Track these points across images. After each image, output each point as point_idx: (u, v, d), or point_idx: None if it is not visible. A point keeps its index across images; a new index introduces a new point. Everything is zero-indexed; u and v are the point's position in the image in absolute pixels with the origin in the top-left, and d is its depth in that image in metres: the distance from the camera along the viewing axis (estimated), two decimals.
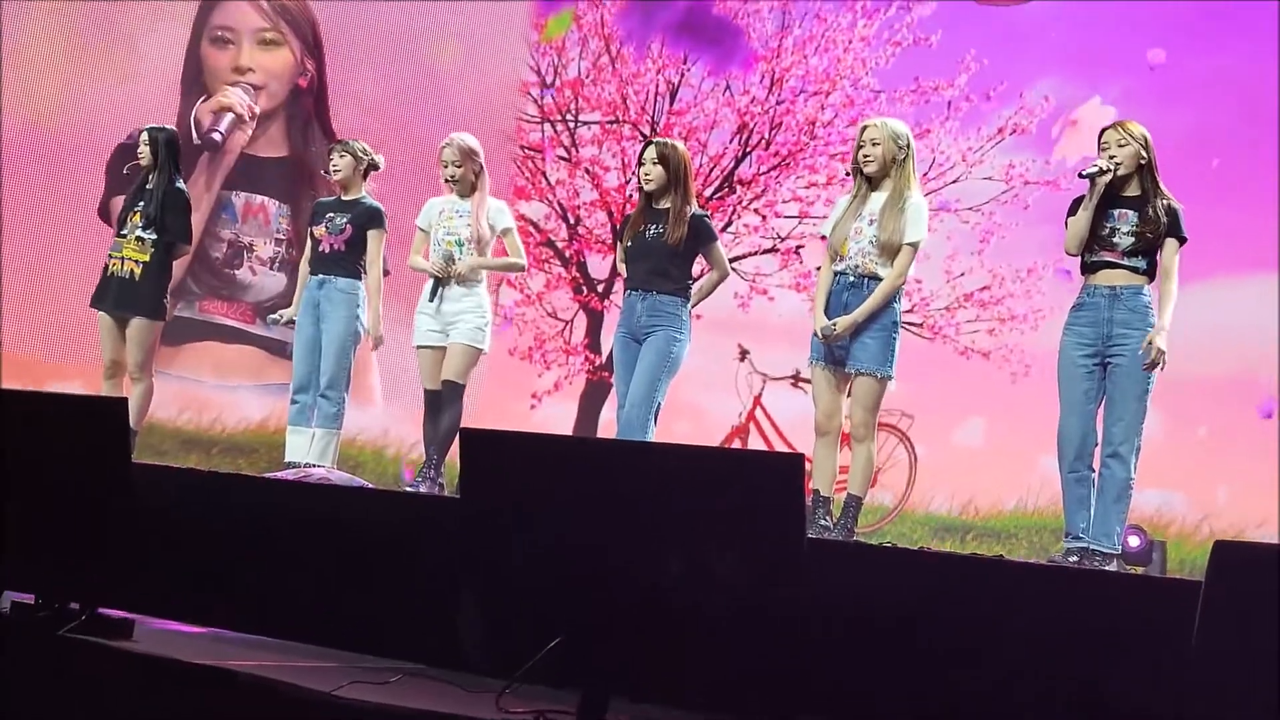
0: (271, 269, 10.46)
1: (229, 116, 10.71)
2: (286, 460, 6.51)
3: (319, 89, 10.67)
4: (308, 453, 6.42)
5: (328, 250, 6.47)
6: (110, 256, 6.88)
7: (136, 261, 6.77)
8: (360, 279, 6.51)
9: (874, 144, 5.30)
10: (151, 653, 4.05)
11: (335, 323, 6.42)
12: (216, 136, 10.65)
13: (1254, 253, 7.60)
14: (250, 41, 10.85)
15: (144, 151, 6.87)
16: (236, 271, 10.57)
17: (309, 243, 6.58)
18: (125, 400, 4.62)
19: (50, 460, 4.16)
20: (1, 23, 10.62)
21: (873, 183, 5.35)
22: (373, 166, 6.62)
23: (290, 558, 4.96)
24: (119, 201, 7.33)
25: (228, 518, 5.15)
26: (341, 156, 6.53)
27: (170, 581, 4.95)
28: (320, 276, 6.48)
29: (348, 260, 6.48)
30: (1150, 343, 4.88)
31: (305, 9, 10.75)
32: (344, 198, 6.57)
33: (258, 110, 10.74)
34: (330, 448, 6.44)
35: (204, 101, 10.81)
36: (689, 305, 5.76)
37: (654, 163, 5.70)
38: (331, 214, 6.51)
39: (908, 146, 5.34)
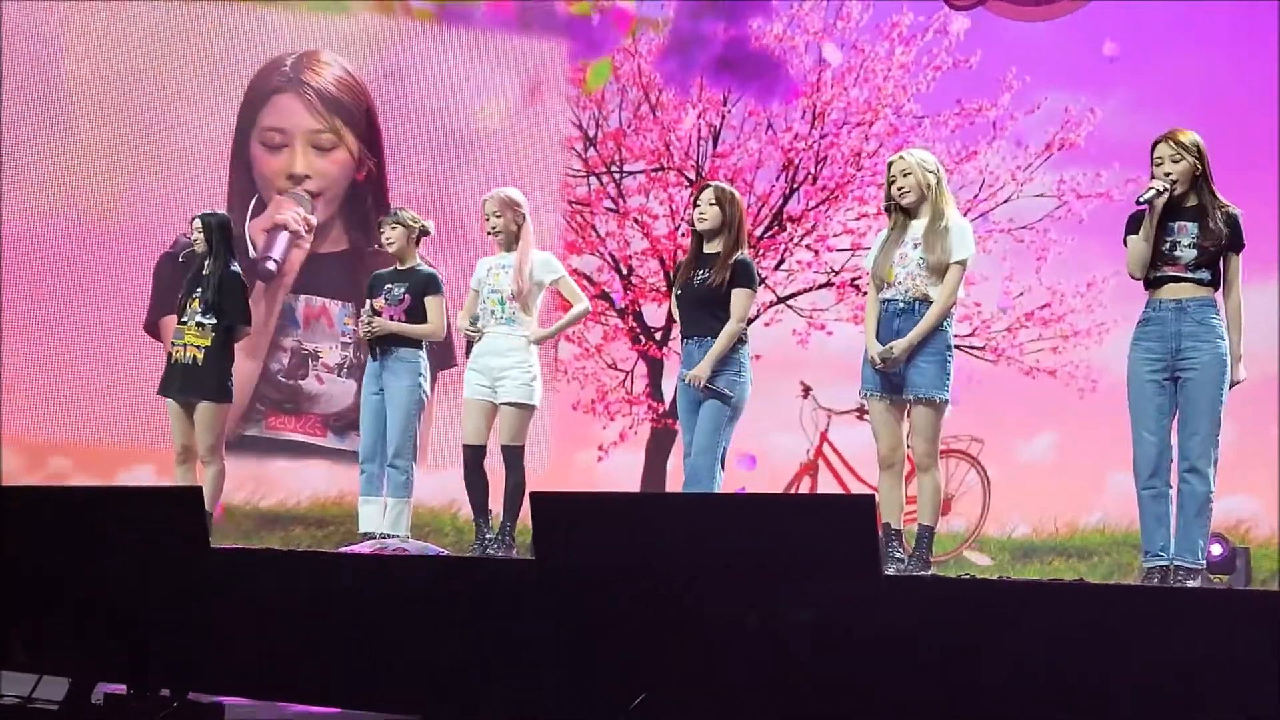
0: (339, 375, 10.09)
1: (284, 237, 10.21)
2: (362, 531, 6.56)
3: (378, 180, 10.29)
4: (381, 523, 6.47)
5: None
6: (173, 345, 6.98)
7: (199, 347, 6.86)
8: (422, 348, 6.57)
9: (905, 174, 5.32)
10: None
11: (398, 392, 6.47)
12: (271, 266, 10.13)
13: None
14: (303, 144, 10.40)
15: (198, 239, 6.97)
16: (302, 382, 10.13)
17: (364, 312, 6.62)
18: (200, 489, 4.70)
19: (133, 551, 4.23)
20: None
21: (909, 212, 5.36)
22: (424, 233, 6.68)
23: (373, 629, 4.99)
24: (169, 322, 7.37)
25: (308, 594, 5.19)
26: (393, 228, 6.61)
27: (256, 662, 5.00)
28: (380, 346, 6.54)
29: None
30: (1234, 383, 4.88)
31: (358, 97, 10.37)
32: (399, 268, 6.63)
33: (315, 222, 10.24)
34: (403, 516, 6.48)
35: (255, 217, 10.29)
36: (746, 347, 5.75)
37: (710, 204, 5.73)
38: (390, 285, 6.58)
39: (937, 171, 5.36)
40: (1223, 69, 7.99)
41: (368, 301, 6.59)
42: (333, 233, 10.34)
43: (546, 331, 6.31)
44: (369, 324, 6.49)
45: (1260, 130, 7.75)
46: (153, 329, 10.16)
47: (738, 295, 5.69)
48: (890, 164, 5.40)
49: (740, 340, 5.72)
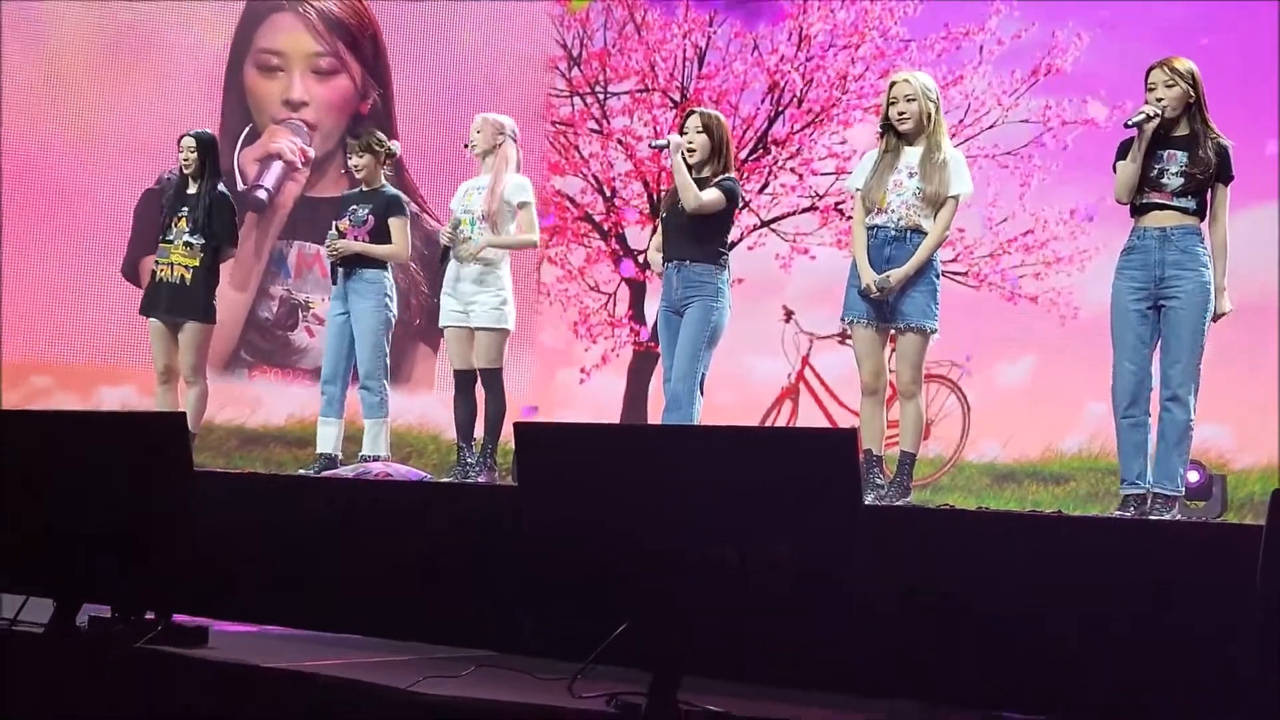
0: None
1: (277, 166, 9.90)
2: (319, 451, 6.57)
3: (385, 113, 9.90)
4: (338, 444, 6.49)
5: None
6: (157, 263, 6.95)
7: (187, 267, 6.85)
8: (387, 269, 6.57)
9: (909, 100, 5.27)
10: (228, 659, 4.13)
11: (364, 314, 6.48)
12: (262, 194, 9.81)
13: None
14: (302, 69, 10.02)
15: (190, 157, 6.92)
16: (291, 334, 9.98)
17: (330, 235, 6.61)
18: (183, 414, 4.70)
19: (115, 477, 4.24)
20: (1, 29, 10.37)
21: (904, 137, 5.33)
22: (389, 155, 6.67)
23: (355, 554, 5.03)
24: (148, 262, 7.29)
25: (291, 519, 5.22)
26: (361, 155, 6.58)
27: (239, 585, 5.03)
28: (344, 268, 6.53)
29: None
30: (1218, 315, 4.89)
31: (364, 20, 9.91)
32: (364, 189, 6.62)
33: (312, 154, 9.91)
34: (381, 437, 6.51)
35: (247, 146, 9.93)
36: (726, 273, 5.74)
37: (698, 131, 5.70)
38: (354, 206, 6.58)
39: (938, 100, 5.33)
40: None
41: (333, 224, 6.59)
42: (330, 172, 10.07)
43: (490, 239, 6.25)
44: (333, 246, 6.48)
45: (1261, 46, 7.70)
46: (131, 272, 9.96)
47: (711, 190, 5.62)
48: (893, 84, 5.34)
49: (720, 266, 5.71)
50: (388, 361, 6.55)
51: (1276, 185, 7.53)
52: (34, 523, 4.34)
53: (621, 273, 9.53)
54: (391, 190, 6.65)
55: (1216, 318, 4.92)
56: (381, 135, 6.70)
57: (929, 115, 5.28)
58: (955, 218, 5.37)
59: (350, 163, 6.65)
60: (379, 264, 6.54)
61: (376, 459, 6.40)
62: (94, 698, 3.93)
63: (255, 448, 10.03)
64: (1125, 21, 8.14)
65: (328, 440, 6.55)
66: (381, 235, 6.51)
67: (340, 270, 6.53)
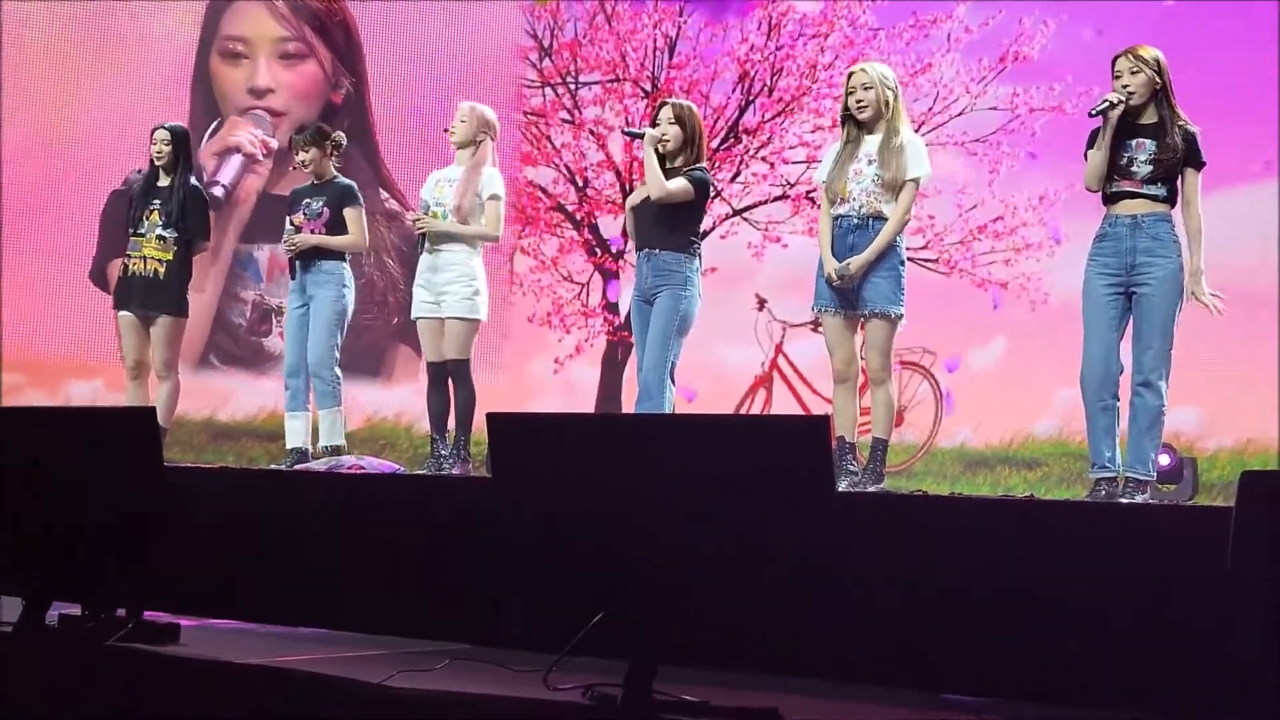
0: None
1: (235, 160, 9.70)
2: (289, 446, 6.56)
3: (360, 104, 9.70)
4: (307, 438, 6.48)
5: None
6: (129, 257, 6.92)
7: (160, 260, 6.82)
8: (344, 260, 6.56)
9: (866, 88, 5.33)
10: (200, 656, 4.11)
11: (321, 303, 6.48)
12: (218, 192, 9.56)
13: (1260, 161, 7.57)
14: (268, 54, 9.83)
15: (164, 150, 6.87)
16: (264, 340, 9.78)
17: (286, 230, 6.59)
18: (153, 408, 4.68)
19: (85, 473, 4.22)
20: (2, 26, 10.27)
21: (864, 127, 5.37)
22: (336, 146, 6.65)
23: (328, 548, 5.02)
24: (115, 265, 7.23)
25: (263, 514, 5.21)
26: (306, 150, 6.56)
27: (211, 581, 5.02)
28: (302, 261, 6.51)
29: None
30: (1195, 296, 4.91)
31: (332, 6, 9.69)
32: (316, 182, 6.60)
33: (274, 145, 9.67)
34: (336, 425, 6.50)
35: (210, 139, 9.71)
36: (696, 261, 5.75)
37: (670, 122, 5.71)
38: (308, 199, 6.57)
39: (896, 88, 5.38)
40: None
41: (288, 219, 6.58)
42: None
43: (447, 226, 6.20)
44: (290, 241, 6.46)
45: (1223, 35, 7.73)
46: (100, 277, 9.83)
47: (678, 179, 5.62)
48: (850, 74, 5.41)
49: (690, 255, 5.72)
50: (338, 351, 6.54)
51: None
52: (1, 520, 4.31)
53: (609, 296, 9.51)
54: (344, 181, 6.65)
55: (1203, 300, 4.93)
56: (323, 126, 6.70)
57: (887, 102, 5.33)
58: (926, 205, 5.39)
59: (297, 158, 6.62)
60: (336, 255, 6.54)
61: (336, 449, 6.39)
62: (65, 697, 3.90)
63: (226, 442, 9.99)
64: (1092, 8, 8.16)
65: (297, 434, 6.54)
66: (337, 226, 6.50)
67: (298, 264, 6.52)
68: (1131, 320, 4.97)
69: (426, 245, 6.25)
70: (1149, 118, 4.98)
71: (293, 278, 6.57)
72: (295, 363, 6.54)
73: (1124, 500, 4.79)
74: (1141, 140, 4.95)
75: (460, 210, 6.18)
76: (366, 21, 10.09)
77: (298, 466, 6.33)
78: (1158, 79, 4.95)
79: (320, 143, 6.56)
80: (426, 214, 6.25)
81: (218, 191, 9.82)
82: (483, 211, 6.24)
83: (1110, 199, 5.02)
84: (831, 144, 5.56)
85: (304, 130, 6.66)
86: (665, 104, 5.81)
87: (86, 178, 10.29)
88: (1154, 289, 4.90)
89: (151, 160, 6.94)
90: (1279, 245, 7.41)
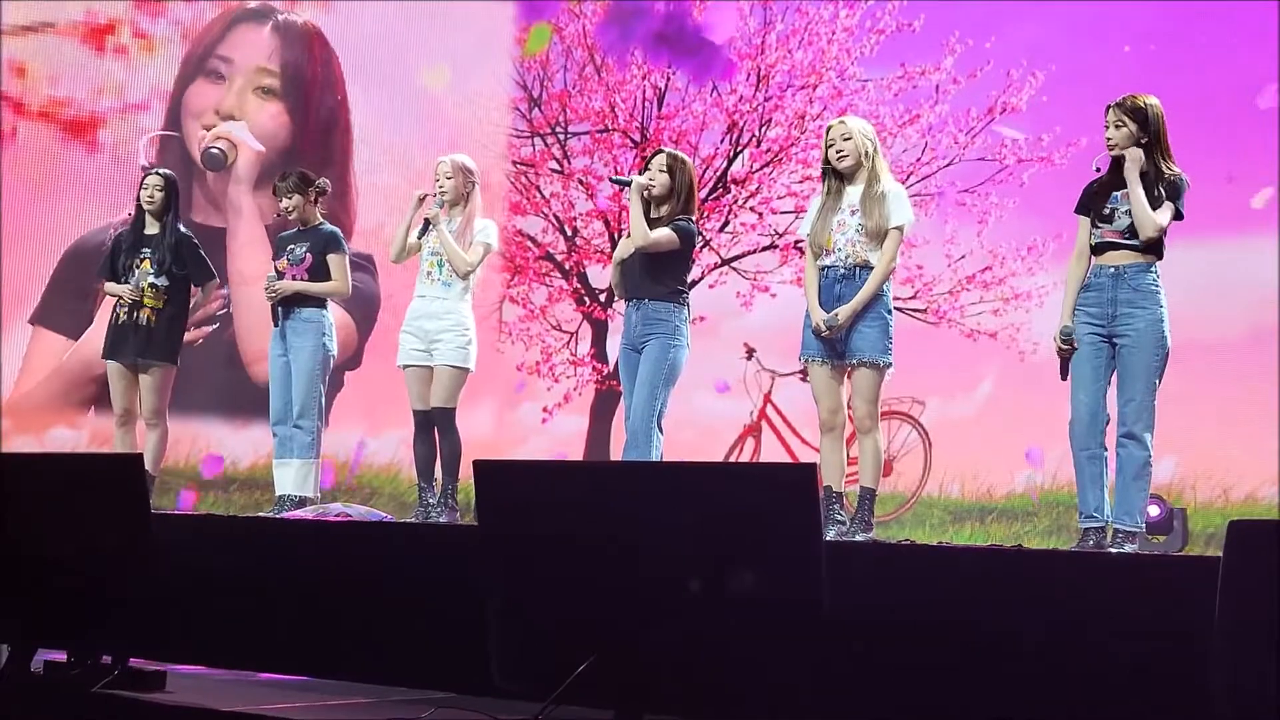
0: None
1: (240, 129, 9.92)
2: (278, 494, 6.54)
3: (329, 148, 9.99)
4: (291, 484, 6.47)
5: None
6: (119, 305, 6.85)
7: (152, 309, 6.77)
8: (325, 307, 6.56)
9: (845, 139, 5.37)
10: (186, 703, 4.09)
11: (302, 353, 6.47)
12: (216, 151, 9.91)
13: (1255, 212, 7.63)
14: (246, 83, 10.15)
15: (156, 195, 6.84)
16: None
17: (268, 277, 6.60)
18: (140, 455, 4.66)
19: (73, 519, 4.20)
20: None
21: (845, 178, 5.40)
22: (321, 192, 6.67)
23: (316, 596, 4.99)
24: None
25: (250, 561, 5.19)
26: (291, 196, 6.57)
27: (199, 628, 4.99)
28: (283, 308, 6.52)
29: None
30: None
31: (324, 53, 10.05)
32: (300, 228, 6.62)
33: (262, 150, 9.94)
34: (310, 477, 6.48)
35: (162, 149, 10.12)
36: (685, 311, 5.76)
37: (661, 170, 5.74)
38: (291, 245, 6.57)
39: (874, 139, 5.42)
40: (1170, 32, 8.03)
41: (272, 265, 6.59)
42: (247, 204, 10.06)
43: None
44: (272, 288, 6.47)
45: (1211, 89, 7.79)
46: (51, 319, 10.04)
47: (664, 230, 5.64)
48: (829, 128, 5.46)
49: (679, 304, 5.74)
50: (322, 401, 6.54)
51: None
52: None
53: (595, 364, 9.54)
54: (329, 227, 6.66)
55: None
56: (308, 173, 6.71)
57: (866, 152, 5.37)
58: (914, 255, 5.42)
59: (281, 205, 6.62)
60: (317, 302, 6.54)
61: (303, 500, 6.36)
62: None
63: (212, 489, 9.97)
64: (1080, 59, 8.23)
65: (286, 482, 6.51)
66: (319, 272, 6.51)
67: (280, 310, 6.52)
68: (1115, 372, 4.98)
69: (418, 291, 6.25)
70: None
71: (275, 324, 6.56)
72: (281, 410, 6.53)
73: (1113, 550, 4.79)
74: (1126, 191, 4.98)
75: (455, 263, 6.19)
76: (354, 66, 10.19)
77: (285, 514, 6.30)
78: (1142, 132, 4.97)
79: (303, 189, 6.58)
80: (424, 261, 6.25)
81: (216, 152, 10.00)
82: (478, 259, 6.25)
83: (1096, 250, 5.05)
84: (815, 198, 5.59)
85: (287, 177, 6.66)
86: (660, 152, 5.84)
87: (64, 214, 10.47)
88: (1133, 340, 4.92)
89: (140, 206, 6.89)
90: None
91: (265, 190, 9.53)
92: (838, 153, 5.37)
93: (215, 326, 10.03)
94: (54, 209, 10.48)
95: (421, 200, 6.27)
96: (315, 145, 10.12)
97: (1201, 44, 7.92)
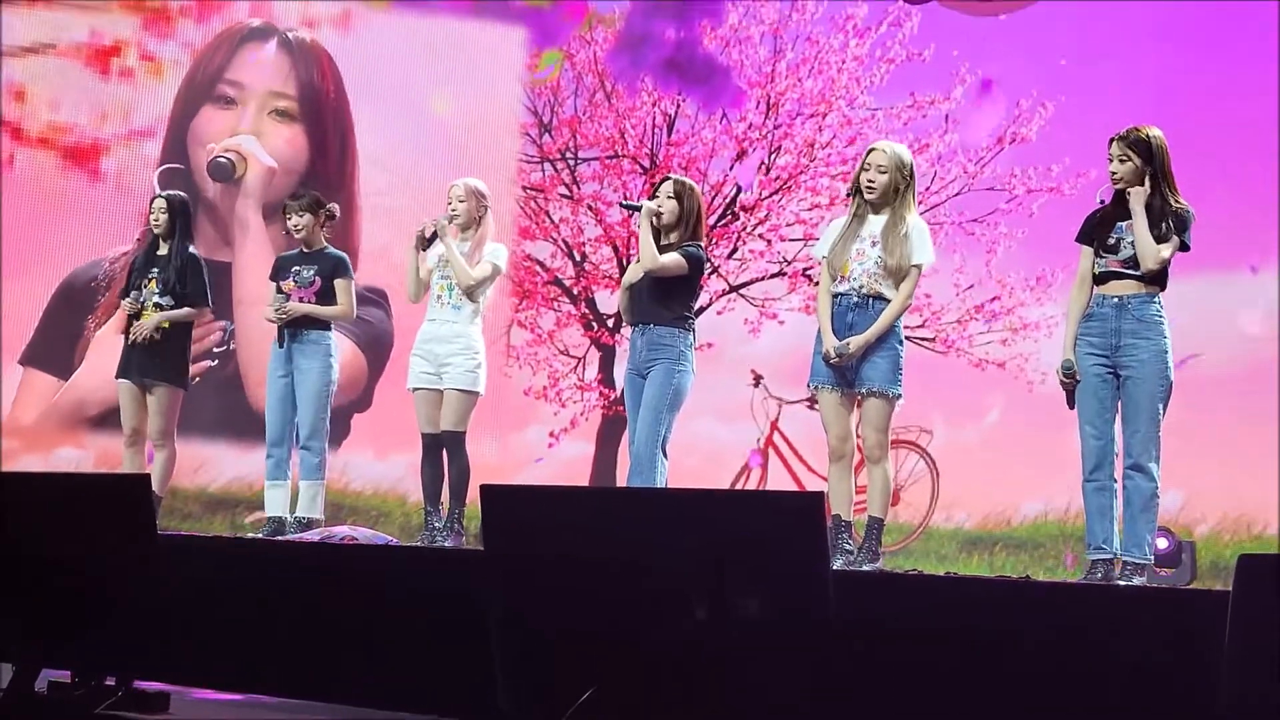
0: None
1: (250, 142, 9.82)
2: (268, 515, 6.52)
3: (343, 172, 9.88)
4: (286, 507, 6.46)
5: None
6: (130, 324, 6.91)
7: (157, 329, 6.81)
8: (329, 330, 6.57)
9: (881, 171, 5.31)
10: None
11: (309, 374, 6.48)
12: (224, 161, 9.79)
13: (1260, 244, 7.64)
14: (260, 107, 10.02)
15: (161, 219, 6.90)
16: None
17: (274, 298, 6.61)
18: (147, 476, 4.67)
19: (78, 539, 4.20)
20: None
21: (872, 206, 5.37)
22: (330, 217, 6.69)
23: (320, 619, 4.98)
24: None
25: (256, 583, 5.18)
26: (301, 215, 6.59)
27: (203, 650, 4.98)
28: (290, 330, 6.52)
29: None
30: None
31: (333, 77, 9.98)
32: (305, 250, 6.63)
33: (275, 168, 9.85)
34: (318, 499, 6.48)
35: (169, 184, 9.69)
36: (690, 336, 5.76)
37: (669, 196, 5.74)
38: (298, 267, 6.58)
39: (910, 175, 5.37)
40: (1179, 65, 8.05)
41: (276, 284, 6.59)
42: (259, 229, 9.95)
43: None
44: (281, 309, 6.47)
45: (1217, 124, 7.80)
46: (37, 359, 9.91)
47: (672, 255, 5.63)
48: (870, 150, 5.39)
49: (684, 329, 5.74)
50: (327, 423, 6.54)
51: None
52: None
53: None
54: (336, 251, 6.68)
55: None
56: (320, 196, 6.74)
57: (897, 188, 5.32)
58: (923, 284, 5.40)
59: (290, 223, 6.63)
60: (323, 325, 6.55)
61: (311, 522, 6.36)
62: None
63: (220, 511, 9.96)
64: (1090, 90, 8.25)
65: (276, 503, 6.51)
66: (326, 296, 6.52)
67: (286, 332, 6.52)
68: (1120, 403, 4.97)
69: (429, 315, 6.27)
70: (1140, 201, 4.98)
71: (280, 345, 6.56)
72: (279, 433, 6.53)
73: (1121, 583, 4.77)
74: (1131, 222, 4.97)
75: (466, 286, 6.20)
76: (364, 88, 10.19)
77: (291, 537, 6.29)
78: (1146, 165, 4.97)
79: (315, 210, 6.60)
80: (434, 286, 6.26)
81: (224, 161, 9.83)
82: (488, 284, 6.27)
83: (1099, 280, 5.04)
84: (834, 219, 5.56)
85: (300, 196, 6.70)
86: (668, 179, 5.85)
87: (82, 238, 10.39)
88: (1138, 371, 4.91)
89: (150, 228, 6.98)
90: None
91: (274, 212, 9.48)
92: (869, 181, 5.33)
93: (214, 364, 9.92)
94: (53, 240, 10.26)
95: (421, 241, 6.26)
96: (332, 168, 10.09)
97: (1213, 78, 7.94)
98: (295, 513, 6.43)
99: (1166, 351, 4.93)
